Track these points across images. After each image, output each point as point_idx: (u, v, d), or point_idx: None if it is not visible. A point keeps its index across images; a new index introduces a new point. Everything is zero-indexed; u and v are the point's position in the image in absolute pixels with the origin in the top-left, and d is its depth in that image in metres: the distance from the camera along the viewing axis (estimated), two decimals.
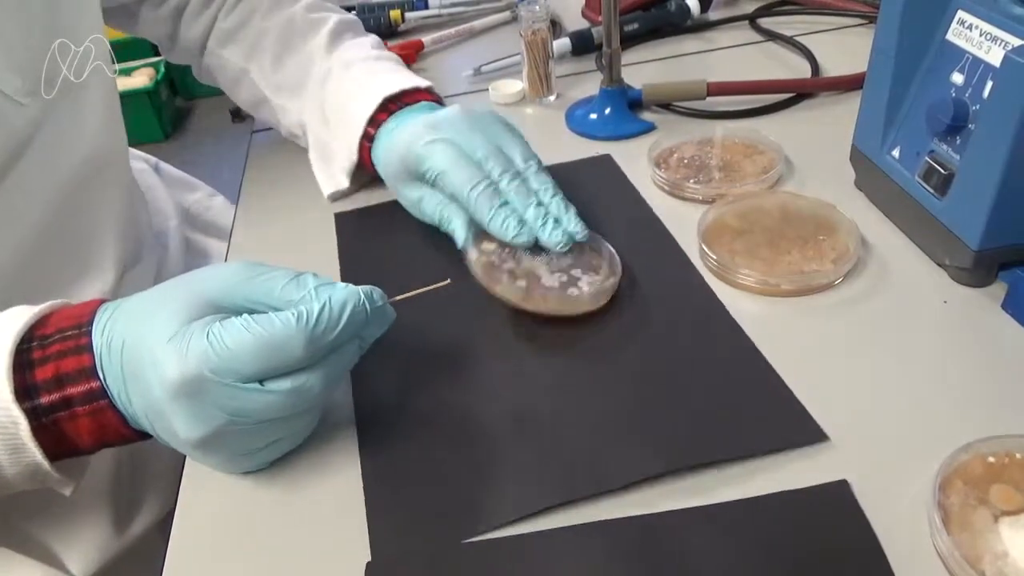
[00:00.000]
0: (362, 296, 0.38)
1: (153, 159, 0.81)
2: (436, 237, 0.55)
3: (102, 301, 0.40)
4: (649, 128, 0.68)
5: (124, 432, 0.39)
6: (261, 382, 0.35)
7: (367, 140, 0.58)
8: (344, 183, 0.61)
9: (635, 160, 0.64)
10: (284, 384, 0.36)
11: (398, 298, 0.43)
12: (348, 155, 0.60)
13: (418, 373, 0.46)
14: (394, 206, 0.61)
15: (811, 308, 0.47)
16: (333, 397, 0.44)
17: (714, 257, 0.50)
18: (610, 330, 0.47)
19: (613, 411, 0.42)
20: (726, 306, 0.48)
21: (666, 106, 0.71)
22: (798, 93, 0.70)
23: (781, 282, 0.48)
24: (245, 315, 0.36)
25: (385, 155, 0.56)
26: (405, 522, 0.38)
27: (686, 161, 0.61)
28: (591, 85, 0.73)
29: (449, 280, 0.46)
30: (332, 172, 0.62)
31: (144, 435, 0.40)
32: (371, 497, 0.39)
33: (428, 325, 0.49)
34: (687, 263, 0.52)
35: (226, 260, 0.62)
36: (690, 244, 0.53)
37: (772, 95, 0.69)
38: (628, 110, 0.69)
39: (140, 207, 0.68)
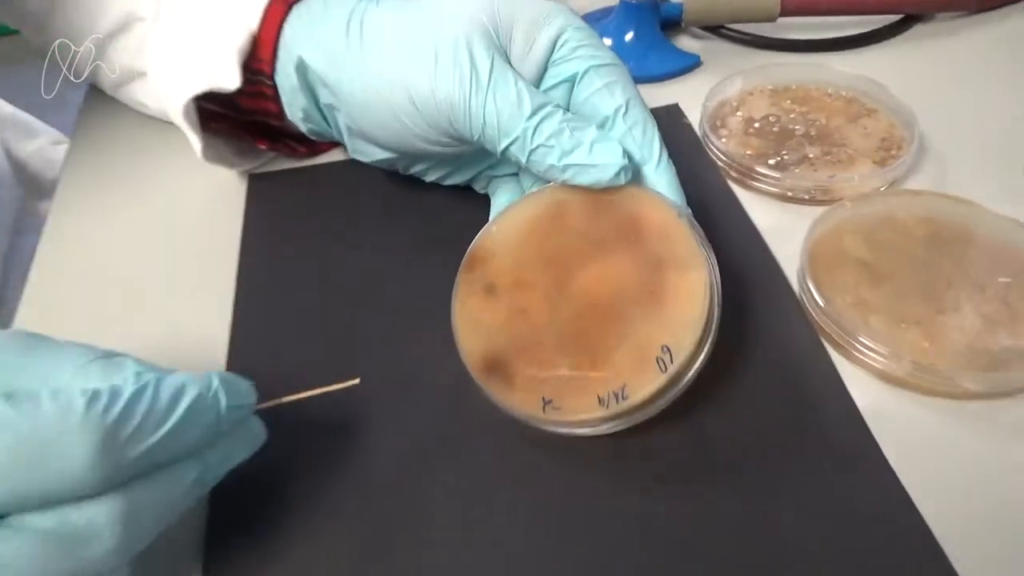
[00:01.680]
0: (216, 383, 0.23)
1: None
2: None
3: None
4: (692, 64, 0.46)
5: None
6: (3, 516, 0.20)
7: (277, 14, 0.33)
8: (234, 78, 0.33)
9: (672, 115, 0.42)
10: (43, 521, 0.20)
11: (271, 404, 0.25)
12: (246, 27, 0.33)
13: (313, 534, 0.25)
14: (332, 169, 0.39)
15: (1003, 431, 0.27)
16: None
17: (830, 312, 0.29)
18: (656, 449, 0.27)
19: None
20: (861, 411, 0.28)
21: (716, 30, 0.48)
22: (909, 15, 0.47)
23: (961, 378, 0.27)
24: None
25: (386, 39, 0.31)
26: None
27: (757, 125, 0.40)
28: None
29: (359, 379, 0.26)
30: (209, 63, 0.34)
31: None
32: None
33: (335, 447, 0.28)
34: (801, 319, 0.31)
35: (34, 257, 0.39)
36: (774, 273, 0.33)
37: (873, 15, 0.47)
38: (661, 34, 0.46)
39: None
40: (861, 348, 0.29)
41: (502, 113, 0.28)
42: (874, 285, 0.31)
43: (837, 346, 0.30)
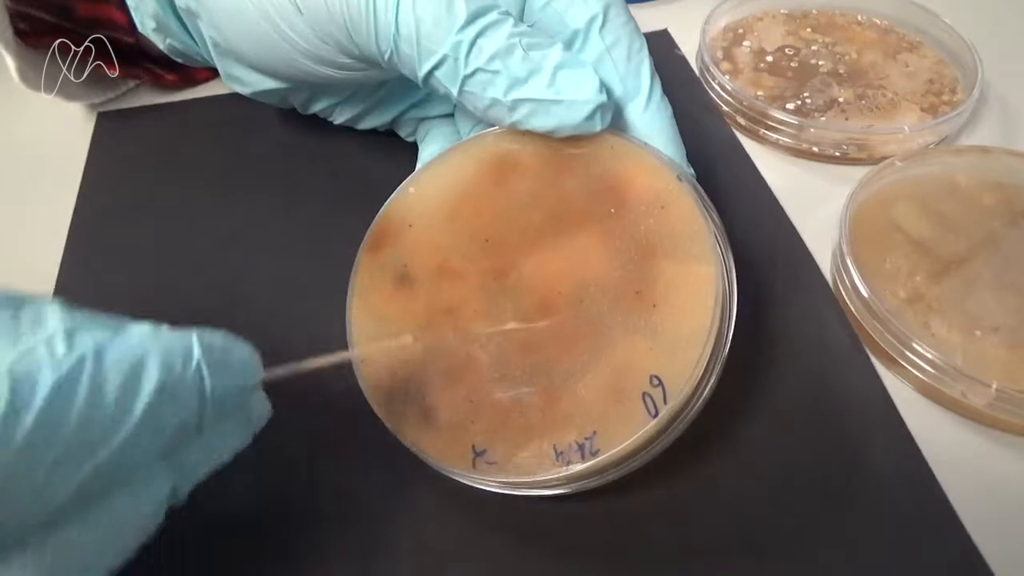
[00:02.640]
0: (196, 354, 0.14)
1: None
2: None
3: None
4: None
5: None
6: None
7: None
8: None
9: (661, 45, 0.33)
10: None
11: (276, 373, 0.16)
12: None
13: None
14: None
15: None
16: None
17: (877, 311, 0.21)
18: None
19: None
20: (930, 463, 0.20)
21: None
22: None
23: None
24: None
25: None
26: None
27: (770, 58, 0.31)
28: None
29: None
30: None
31: None
32: None
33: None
34: (837, 319, 0.23)
35: None
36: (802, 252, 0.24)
37: None
38: None
39: None
40: (919, 362, 0.21)
41: (423, 19, 0.19)
42: (936, 274, 0.23)
43: (887, 359, 0.22)
